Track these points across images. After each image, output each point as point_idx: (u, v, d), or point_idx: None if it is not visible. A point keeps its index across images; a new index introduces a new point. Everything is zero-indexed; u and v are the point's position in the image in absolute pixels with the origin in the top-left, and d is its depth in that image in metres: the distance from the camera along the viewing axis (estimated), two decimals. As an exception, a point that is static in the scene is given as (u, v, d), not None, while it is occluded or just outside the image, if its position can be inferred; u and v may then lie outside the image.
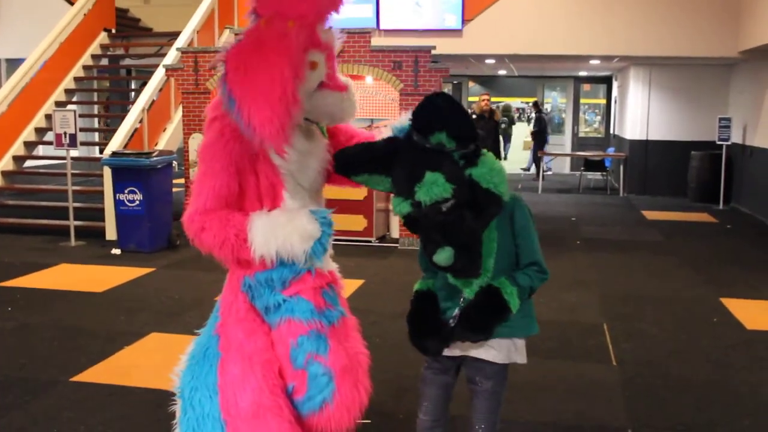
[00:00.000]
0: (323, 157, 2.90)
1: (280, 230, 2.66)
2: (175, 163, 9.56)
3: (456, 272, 2.64)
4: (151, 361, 5.17)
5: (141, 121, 10.56)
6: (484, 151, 2.67)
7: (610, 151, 17.50)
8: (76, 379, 4.88)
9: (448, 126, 2.57)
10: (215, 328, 2.90)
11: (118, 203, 9.02)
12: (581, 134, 20.57)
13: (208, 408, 2.78)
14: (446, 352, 2.84)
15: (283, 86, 2.50)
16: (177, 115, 11.10)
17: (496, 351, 2.79)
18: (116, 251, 8.92)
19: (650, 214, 12.66)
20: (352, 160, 2.82)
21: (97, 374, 4.97)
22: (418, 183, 2.55)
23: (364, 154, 2.80)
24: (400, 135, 2.72)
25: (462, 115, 2.61)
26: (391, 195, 2.74)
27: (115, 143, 9.88)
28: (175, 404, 2.90)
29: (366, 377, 2.91)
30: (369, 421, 3.84)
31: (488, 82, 21.09)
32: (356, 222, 9.36)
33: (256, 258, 2.70)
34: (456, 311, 2.74)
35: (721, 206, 13.20)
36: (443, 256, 2.53)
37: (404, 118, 2.78)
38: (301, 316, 2.77)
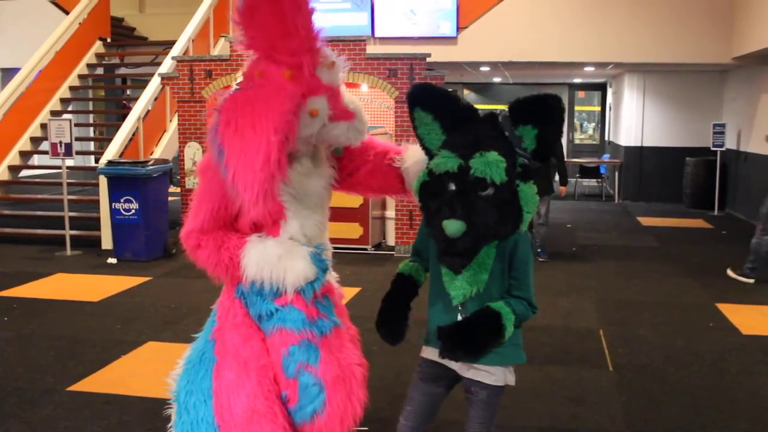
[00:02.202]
0: (327, 174, 2.91)
1: (274, 265, 2.69)
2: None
3: (451, 253, 2.59)
4: (147, 370, 5.17)
5: (137, 130, 10.57)
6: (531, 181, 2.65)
7: (605, 157, 17.55)
8: (72, 388, 4.87)
9: (545, 128, 2.54)
10: (212, 332, 2.90)
11: (113, 212, 9.00)
12: (576, 141, 20.62)
13: (203, 412, 2.78)
14: (443, 362, 2.82)
15: (268, 153, 2.46)
16: (173, 124, 11.11)
17: (491, 374, 2.77)
18: (112, 260, 8.91)
19: (645, 221, 12.69)
20: (433, 97, 2.74)
21: (93, 383, 4.96)
22: (481, 152, 2.52)
23: (446, 99, 2.73)
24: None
25: (560, 130, 2.58)
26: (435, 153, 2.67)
27: (111, 152, 9.88)
28: (171, 408, 2.90)
29: (360, 389, 2.89)
30: (366, 429, 3.84)
31: (483, 90, 21.12)
32: (352, 230, 9.36)
33: (248, 283, 2.75)
34: (458, 317, 2.71)
35: (716, 212, 13.24)
36: (455, 226, 2.48)
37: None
38: (293, 326, 2.77)
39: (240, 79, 2.75)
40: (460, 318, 2.71)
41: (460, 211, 2.50)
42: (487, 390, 2.79)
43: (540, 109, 2.54)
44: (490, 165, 2.49)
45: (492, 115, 2.66)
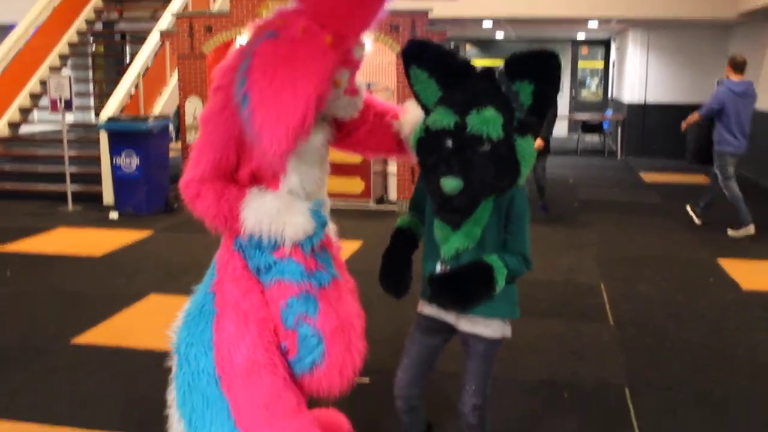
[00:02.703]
0: (325, 130, 2.89)
1: (274, 218, 2.66)
2: (171, 127, 9.51)
3: (448, 209, 2.59)
4: (150, 323, 5.20)
5: (137, 86, 10.51)
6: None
7: (608, 113, 17.45)
8: (76, 341, 4.90)
9: (542, 84, 2.50)
10: (211, 285, 2.90)
11: (114, 168, 9.01)
12: (580, 98, 20.50)
13: (203, 363, 2.78)
14: (440, 316, 2.83)
15: (304, 114, 2.45)
16: (173, 80, 11.04)
17: (488, 327, 2.78)
18: (114, 215, 8.92)
19: (648, 177, 12.66)
20: (428, 53, 2.69)
21: (97, 336, 5.00)
22: (478, 108, 2.50)
23: (441, 56, 2.68)
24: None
25: (557, 87, 2.54)
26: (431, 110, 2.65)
27: (111, 108, 9.83)
28: (172, 360, 2.92)
29: (359, 340, 2.88)
30: (367, 379, 3.87)
31: (485, 46, 20.95)
32: (354, 185, 9.35)
33: (245, 235, 2.73)
34: (438, 267, 2.72)
35: (718, 169, 13.18)
36: (452, 183, 2.49)
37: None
38: (291, 278, 2.76)
39: (260, 21, 2.69)
40: (438, 269, 2.72)
41: (457, 167, 2.50)
42: (485, 343, 2.80)
43: (537, 65, 2.51)
44: (486, 122, 2.48)
45: (489, 70, 2.62)
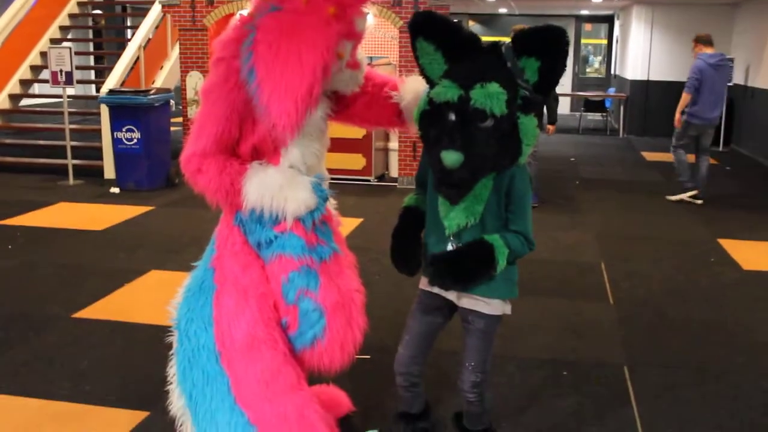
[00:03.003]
0: (325, 104, 2.87)
1: (276, 193, 2.65)
2: (172, 101, 9.47)
3: (448, 183, 2.57)
4: (151, 298, 5.21)
5: (138, 59, 10.44)
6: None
7: (611, 91, 17.36)
8: (77, 315, 4.91)
9: (549, 61, 2.48)
10: (211, 260, 2.90)
11: (115, 142, 8.98)
12: (583, 75, 20.39)
13: (204, 339, 2.79)
14: (441, 292, 2.83)
15: (311, 86, 2.46)
16: (174, 53, 10.97)
17: (488, 304, 2.78)
18: (115, 190, 8.91)
19: (650, 155, 12.62)
20: (435, 26, 2.66)
21: (98, 311, 5.01)
22: (482, 83, 2.48)
23: (449, 28, 2.65)
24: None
25: (564, 64, 2.51)
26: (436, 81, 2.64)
27: (112, 81, 9.79)
28: (172, 335, 2.92)
29: (360, 315, 2.89)
30: (368, 356, 3.88)
31: (489, 21, 20.81)
32: (355, 161, 9.33)
33: (247, 210, 2.72)
34: (449, 246, 2.72)
35: (720, 148, 13.14)
36: (453, 157, 2.47)
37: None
38: (292, 252, 2.75)
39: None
40: (450, 248, 2.72)
41: (459, 141, 2.48)
42: (484, 319, 2.81)
43: (544, 40, 2.48)
44: (490, 96, 2.46)
45: (495, 45, 2.60)
